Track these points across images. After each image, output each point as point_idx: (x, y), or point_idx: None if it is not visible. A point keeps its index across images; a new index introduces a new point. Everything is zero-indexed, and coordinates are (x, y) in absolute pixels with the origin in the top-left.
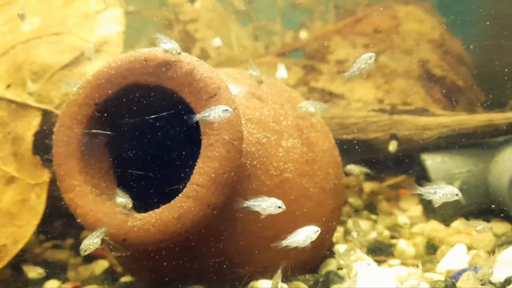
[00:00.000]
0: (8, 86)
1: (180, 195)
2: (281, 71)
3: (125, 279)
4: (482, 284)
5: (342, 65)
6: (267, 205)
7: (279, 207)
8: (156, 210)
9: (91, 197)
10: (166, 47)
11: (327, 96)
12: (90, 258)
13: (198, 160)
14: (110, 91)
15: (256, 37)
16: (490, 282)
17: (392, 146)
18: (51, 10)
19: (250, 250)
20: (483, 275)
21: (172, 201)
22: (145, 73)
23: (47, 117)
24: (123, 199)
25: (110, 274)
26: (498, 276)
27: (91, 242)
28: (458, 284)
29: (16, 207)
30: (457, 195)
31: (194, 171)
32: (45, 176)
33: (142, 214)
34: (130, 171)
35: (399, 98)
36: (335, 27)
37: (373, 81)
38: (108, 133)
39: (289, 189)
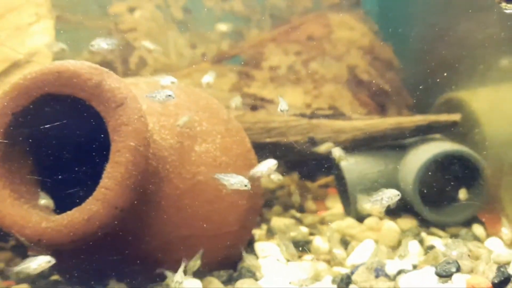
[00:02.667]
0: None
1: (89, 198)
2: (207, 77)
3: (54, 277)
4: (376, 276)
5: (274, 72)
6: (235, 181)
7: (245, 185)
8: (68, 212)
9: (9, 201)
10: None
11: (259, 102)
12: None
13: (107, 165)
14: (26, 101)
15: (194, 45)
16: (386, 275)
17: (324, 149)
18: None
19: (165, 249)
20: (371, 263)
21: (83, 204)
22: (58, 84)
23: None
24: (45, 201)
25: (40, 274)
26: (393, 269)
27: None
28: (353, 276)
29: None
30: (398, 195)
31: (103, 175)
32: None
33: (56, 216)
34: (50, 175)
35: (326, 103)
36: (270, 35)
37: (302, 86)
38: (26, 141)
39: (202, 191)
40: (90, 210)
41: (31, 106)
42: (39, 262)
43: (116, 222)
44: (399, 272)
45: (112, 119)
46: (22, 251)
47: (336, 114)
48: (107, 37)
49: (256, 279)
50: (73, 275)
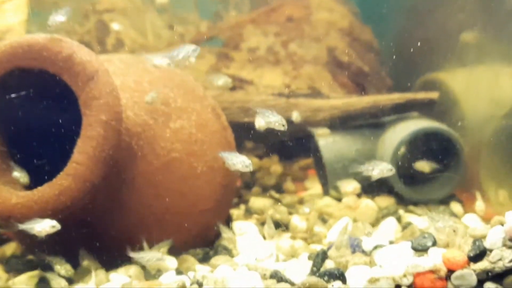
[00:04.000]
0: None
1: (60, 173)
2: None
3: (28, 258)
4: (353, 252)
5: (253, 53)
6: (237, 161)
7: (247, 166)
8: (39, 187)
9: None
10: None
11: (237, 82)
12: (1, 242)
13: (78, 140)
14: None
15: (171, 26)
16: (362, 251)
17: (295, 117)
18: None
19: (139, 226)
20: (343, 239)
21: (54, 179)
22: (28, 58)
23: None
24: (18, 174)
25: (18, 256)
26: (369, 245)
27: None
28: (329, 252)
29: None
30: (391, 170)
31: (74, 150)
32: None
33: (26, 192)
34: (20, 151)
35: (305, 84)
36: (250, 16)
37: (281, 67)
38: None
39: (177, 168)
40: (61, 185)
41: (0, 80)
42: (44, 226)
43: (87, 197)
44: (375, 248)
45: (83, 93)
46: None
47: (314, 93)
48: (58, 10)
49: (232, 256)
50: (44, 253)
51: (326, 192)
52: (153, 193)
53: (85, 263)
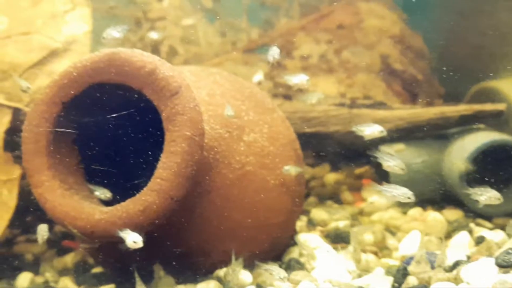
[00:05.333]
0: None
1: (144, 188)
2: (258, 76)
3: (96, 270)
4: (432, 268)
5: (306, 61)
6: (398, 193)
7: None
8: (122, 203)
9: (60, 192)
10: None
11: (291, 91)
12: (63, 251)
13: (161, 155)
14: (76, 90)
15: (223, 33)
16: (440, 265)
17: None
18: (19, 10)
19: (213, 240)
20: (441, 261)
21: (137, 195)
22: (110, 72)
23: (17, 115)
24: (99, 192)
25: (82, 266)
26: (448, 260)
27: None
28: (409, 268)
29: None
30: (409, 198)
31: (157, 165)
32: (17, 172)
33: (109, 208)
34: (97, 166)
35: (360, 92)
36: (300, 23)
37: (335, 75)
38: (74, 131)
39: (251, 182)
40: (146, 201)
41: (81, 95)
42: (134, 239)
43: (170, 213)
44: (456, 263)
45: (167, 108)
46: (54, 244)
47: (376, 103)
48: (116, 26)
49: (308, 271)
50: (117, 267)
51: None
52: (228, 207)
53: (160, 277)
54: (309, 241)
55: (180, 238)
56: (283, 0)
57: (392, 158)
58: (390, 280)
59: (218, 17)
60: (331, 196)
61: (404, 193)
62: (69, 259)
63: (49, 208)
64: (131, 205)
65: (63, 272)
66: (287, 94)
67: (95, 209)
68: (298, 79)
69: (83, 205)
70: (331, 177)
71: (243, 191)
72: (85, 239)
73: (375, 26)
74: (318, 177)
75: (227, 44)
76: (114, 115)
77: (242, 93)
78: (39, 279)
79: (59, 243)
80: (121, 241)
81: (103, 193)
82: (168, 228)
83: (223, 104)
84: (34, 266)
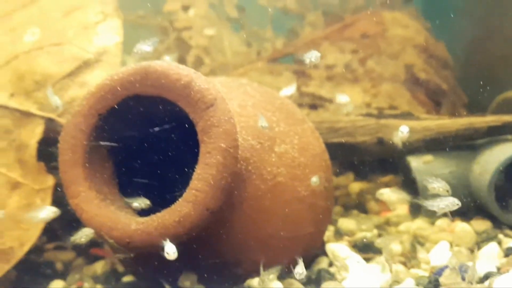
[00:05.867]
0: (12, 95)
1: (180, 199)
2: (289, 89)
3: (127, 278)
4: (463, 279)
5: (331, 70)
6: (445, 204)
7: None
8: (158, 214)
9: (96, 202)
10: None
11: (317, 100)
12: (92, 259)
13: (196, 167)
14: (112, 102)
15: (249, 43)
16: (471, 277)
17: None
18: (51, 21)
19: (245, 250)
20: (472, 276)
21: (173, 205)
22: (146, 85)
23: (50, 125)
24: (138, 202)
25: (111, 274)
26: (478, 271)
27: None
28: (441, 279)
29: (22, 212)
30: (457, 204)
31: (192, 177)
32: (50, 181)
33: (145, 218)
34: (130, 177)
35: (386, 102)
36: (324, 33)
37: (360, 85)
38: (114, 144)
39: (282, 192)
40: (181, 212)
41: (117, 107)
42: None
43: (205, 224)
44: (487, 275)
45: (202, 120)
46: (83, 251)
47: (403, 113)
48: (146, 40)
49: (338, 281)
50: (148, 276)
51: (414, 214)
52: (260, 218)
53: (192, 286)
54: (338, 251)
55: (212, 248)
56: (307, 10)
57: (436, 180)
58: None
59: (243, 26)
60: (356, 206)
61: (451, 202)
62: (98, 267)
63: (86, 219)
64: (167, 216)
65: (91, 280)
66: (313, 103)
67: (131, 220)
68: (311, 56)
69: (119, 216)
70: (356, 186)
71: (274, 202)
72: (121, 249)
73: (399, 35)
74: (342, 186)
75: (252, 53)
76: (149, 126)
77: (273, 104)
78: (71, 287)
79: (87, 251)
80: (156, 251)
81: (142, 202)
82: (201, 238)
83: (255, 115)
84: (64, 274)
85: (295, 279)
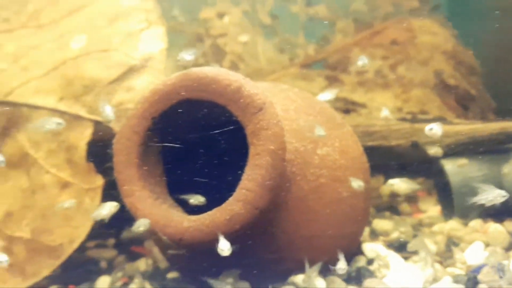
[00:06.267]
0: (61, 99)
1: (230, 198)
2: (327, 94)
3: (172, 275)
4: (500, 277)
5: (362, 76)
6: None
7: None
8: (209, 212)
9: (150, 201)
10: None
11: (350, 105)
12: (133, 257)
13: (246, 168)
14: (165, 106)
15: (282, 49)
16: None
17: (434, 151)
18: (97, 28)
19: (288, 249)
20: (490, 266)
21: (223, 204)
22: (197, 90)
23: (98, 128)
24: (193, 199)
25: (155, 271)
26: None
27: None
28: (479, 276)
29: (71, 210)
30: (504, 196)
31: (242, 177)
32: (99, 181)
33: (196, 216)
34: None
35: (416, 107)
36: (354, 40)
37: (391, 90)
38: (176, 145)
39: (324, 194)
40: (232, 211)
41: (168, 110)
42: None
43: (254, 223)
44: None
45: (251, 123)
46: (124, 249)
47: (436, 118)
48: (187, 49)
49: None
50: (193, 273)
51: (447, 216)
52: (303, 218)
53: (236, 283)
54: (374, 250)
55: (257, 246)
56: (338, 17)
57: (491, 189)
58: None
59: (276, 33)
60: (388, 208)
61: (499, 194)
62: (140, 264)
63: (140, 217)
64: (218, 214)
65: (135, 276)
66: (346, 108)
67: (183, 218)
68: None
69: (171, 214)
70: (387, 189)
71: (317, 203)
72: (173, 246)
73: (428, 42)
74: (374, 188)
75: (285, 59)
76: (198, 129)
77: (314, 108)
78: (117, 283)
79: (128, 249)
80: (207, 248)
81: (197, 199)
82: (247, 236)
83: (297, 119)
84: (107, 271)
85: (337, 276)
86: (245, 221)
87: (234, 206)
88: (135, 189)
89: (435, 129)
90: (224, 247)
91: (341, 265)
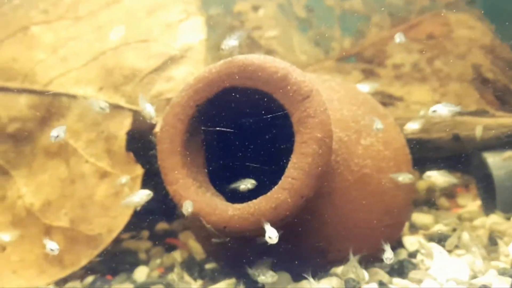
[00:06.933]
0: (100, 88)
1: (275, 187)
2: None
3: (210, 265)
4: None
5: (398, 69)
6: None
7: None
8: (254, 200)
9: (193, 189)
10: None
11: (387, 99)
12: (169, 249)
13: (292, 156)
14: (209, 94)
15: (317, 42)
16: None
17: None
18: (136, 20)
19: (330, 239)
20: None
21: (269, 193)
22: (242, 77)
23: (138, 117)
24: (244, 184)
25: (190, 262)
26: None
27: None
28: None
29: (110, 200)
30: None
31: (288, 165)
32: (138, 170)
33: (241, 204)
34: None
35: (454, 101)
36: (390, 33)
37: (429, 84)
38: (230, 130)
39: (368, 184)
40: (278, 199)
41: (213, 98)
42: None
43: (299, 211)
44: None
45: (298, 111)
46: (158, 240)
47: (479, 111)
48: (231, 34)
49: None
50: (231, 263)
51: (487, 210)
52: (346, 208)
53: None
54: (418, 242)
55: (300, 236)
56: (373, 11)
57: None
58: (508, 280)
59: (311, 26)
60: (425, 202)
61: None
62: (177, 255)
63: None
64: (263, 202)
65: (173, 267)
66: (383, 102)
67: (228, 206)
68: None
69: (216, 202)
70: (423, 184)
71: (360, 193)
72: (218, 234)
73: (465, 36)
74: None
75: (320, 53)
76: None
77: (357, 98)
78: (154, 273)
79: (163, 240)
80: (251, 236)
81: (247, 183)
82: (291, 226)
83: (341, 109)
84: (144, 262)
85: (380, 268)
86: (290, 209)
87: (280, 195)
88: (179, 177)
89: (439, 111)
90: (272, 235)
91: (388, 255)
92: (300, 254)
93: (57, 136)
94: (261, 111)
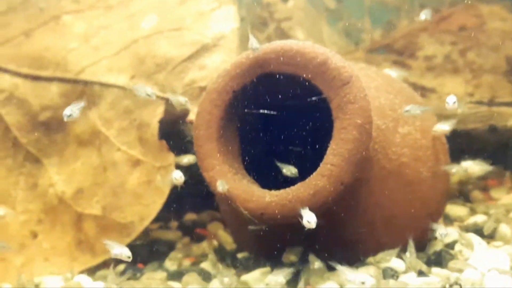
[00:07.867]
0: (132, 77)
1: (314, 173)
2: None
3: (242, 255)
4: None
5: (430, 61)
6: None
7: None
8: (292, 187)
9: (230, 176)
10: None
11: (419, 90)
12: (197, 239)
13: (331, 142)
14: (246, 80)
15: (347, 34)
16: None
17: None
18: (168, 8)
19: (367, 227)
20: None
21: (307, 179)
22: (281, 63)
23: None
24: (285, 169)
25: (222, 252)
26: None
27: None
28: None
29: (142, 188)
30: None
31: (327, 152)
32: (171, 159)
33: (278, 191)
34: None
35: (488, 93)
36: (421, 25)
37: (461, 76)
38: (271, 112)
39: (405, 173)
40: (316, 185)
41: (249, 84)
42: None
43: (338, 198)
44: None
45: (337, 97)
46: (187, 231)
47: None
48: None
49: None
50: (263, 252)
51: None
52: (384, 196)
53: (315, 263)
54: (456, 233)
55: (337, 224)
56: (404, 2)
57: None
58: None
59: (341, 18)
60: (458, 195)
61: None
62: (206, 245)
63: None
64: (302, 189)
65: (203, 257)
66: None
67: (265, 192)
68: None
69: (253, 188)
70: (455, 176)
71: (398, 182)
72: (254, 221)
73: (498, 28)
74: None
75: (350, 44)
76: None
77: (393, 87)
78: (185, 262)
79: (192, 231)
80: (289, 223)
81: (289, 170)
82: (329, 214)
83: (378, 97)
84: (174, 251)
85: (417, 259)
86: (329, 196)
87: (319, 181)
88: (215, 163)
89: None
90: (311, 219)
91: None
92: (336, 243)
93: (70, 115)
94: (298, 97)
